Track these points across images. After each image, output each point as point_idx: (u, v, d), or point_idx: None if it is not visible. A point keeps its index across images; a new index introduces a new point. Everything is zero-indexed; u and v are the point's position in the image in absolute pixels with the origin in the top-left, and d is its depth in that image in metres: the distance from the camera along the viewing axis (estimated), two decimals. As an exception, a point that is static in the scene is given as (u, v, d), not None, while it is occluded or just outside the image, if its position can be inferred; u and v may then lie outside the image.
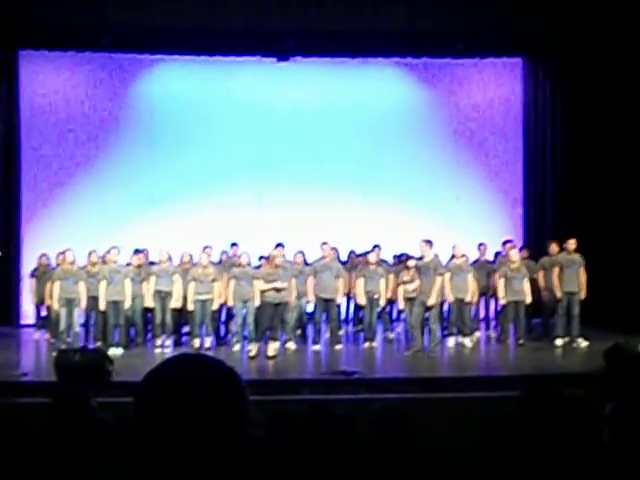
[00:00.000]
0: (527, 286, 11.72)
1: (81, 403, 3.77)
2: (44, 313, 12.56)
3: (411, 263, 11.36)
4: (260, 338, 10.98)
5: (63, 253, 11.60)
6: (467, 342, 11.79)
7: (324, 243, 11.94)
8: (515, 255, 11.92)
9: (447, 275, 11.41)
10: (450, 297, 11.65)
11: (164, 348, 11.46)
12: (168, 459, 1.37)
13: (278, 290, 10.96)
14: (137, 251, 12.01)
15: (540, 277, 12.15)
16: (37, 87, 14.72)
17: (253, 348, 10.84)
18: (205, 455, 1.37)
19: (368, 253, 12.22)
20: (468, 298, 11.83)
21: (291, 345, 11.49)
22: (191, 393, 1.38)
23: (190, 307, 11.42)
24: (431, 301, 11.02)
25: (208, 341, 11.58)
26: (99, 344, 11.30)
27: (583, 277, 11.79)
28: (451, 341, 11.86)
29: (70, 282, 11.19)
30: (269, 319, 10.90)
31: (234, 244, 12.91)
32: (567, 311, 11.69)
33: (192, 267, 11.70)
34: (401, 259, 12.35)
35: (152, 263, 12.14)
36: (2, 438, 4.33)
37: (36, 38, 13.52)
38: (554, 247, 12.16)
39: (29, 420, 4.46)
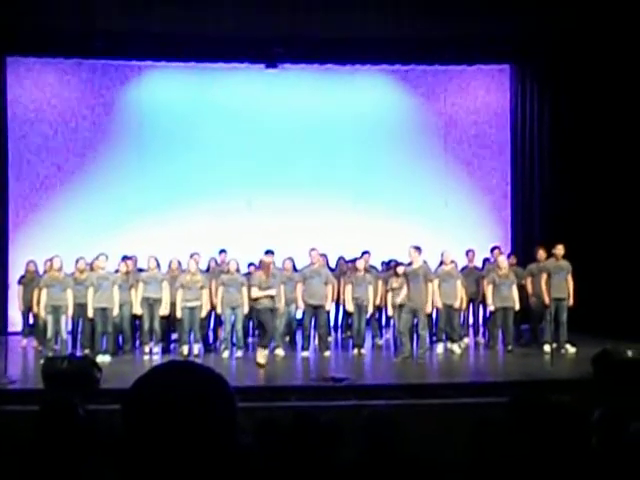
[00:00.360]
0: (515, 292, 11.77)
1: (69, 411, 3.75)
2: (32, 320, 12.48)
3: (400, 270, 11.38)
4: (268, 344, 10.87)
5: (50, 260, 11.52)
6: (456, 348, 11.79)
7: (313, 249, 11.91)
8: (503, 262, 11.96)
9: (436, 281, 11.43)
10: (439, 303, 11.65)
11: (152, 355, 11.42)
12: (156, 466, 1.36)
13: (272, 297, 10.94)
14: (125, 258, 11.96)
15: (528, 283, 12.17)
16: (25, 94, 14.67)
17: (261, 354, 10.60)
18: (194, 462, 1.37)
19: (357, 259, 12.22)
20: (457, 304, 11.85)
21: (280, 352, 11.47)
22: (179, 400, 1.38)
23: (178, 314, 11.38)
24: (428, 309, 11.08)
25: (196, 348, 11.53)
26: (87, 351, 11.23)
27: (571, 283, 11.83)
28: (440, 347, 11.88)
29: (57, 289, 11.12)
30: (269, 324, 10.84)
31: (222, 251, 12.89)
32: (555, 317, 11.71)
33: (180, 274, 11.66)
34: (390, 265, 12.36)
35: (140, 270, 12.09)
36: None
37: (24, 44, 13.43)
38: (542, 253, 12.19)
39: (16, 428, 4.43)
